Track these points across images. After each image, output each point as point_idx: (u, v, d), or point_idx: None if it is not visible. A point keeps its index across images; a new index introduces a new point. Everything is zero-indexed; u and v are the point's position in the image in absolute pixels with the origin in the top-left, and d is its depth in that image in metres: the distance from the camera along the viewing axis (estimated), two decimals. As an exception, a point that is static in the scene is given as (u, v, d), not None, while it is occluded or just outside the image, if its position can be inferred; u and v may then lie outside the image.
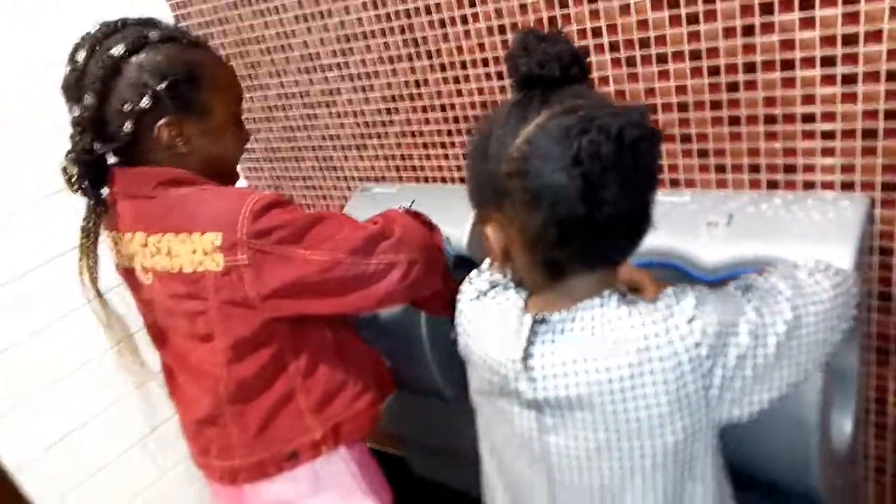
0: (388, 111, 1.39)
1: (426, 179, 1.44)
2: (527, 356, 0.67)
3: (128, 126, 0.88)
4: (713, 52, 0.96)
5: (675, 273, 0.97)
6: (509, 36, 1.12)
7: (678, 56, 0.99)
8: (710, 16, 0.93)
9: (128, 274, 1.01)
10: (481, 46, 1.17)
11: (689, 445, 0.66)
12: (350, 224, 0.93)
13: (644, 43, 1.00)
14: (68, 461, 1.52)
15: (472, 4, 1.14)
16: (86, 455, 1.56)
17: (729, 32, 0.93)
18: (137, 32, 0.89)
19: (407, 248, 0.93)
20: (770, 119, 0.96)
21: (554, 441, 0.69)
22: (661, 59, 1.00)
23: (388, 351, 1.18)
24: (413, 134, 1.39)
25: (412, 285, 0.94)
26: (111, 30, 0.89)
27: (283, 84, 1.53)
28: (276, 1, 1.40)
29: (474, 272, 0.83)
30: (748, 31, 0.92)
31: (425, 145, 1.39)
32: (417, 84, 1.31)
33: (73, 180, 0.90)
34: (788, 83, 0.93)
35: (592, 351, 0.64)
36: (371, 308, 0.95)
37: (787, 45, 0.90)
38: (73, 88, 0.88)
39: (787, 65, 0.91)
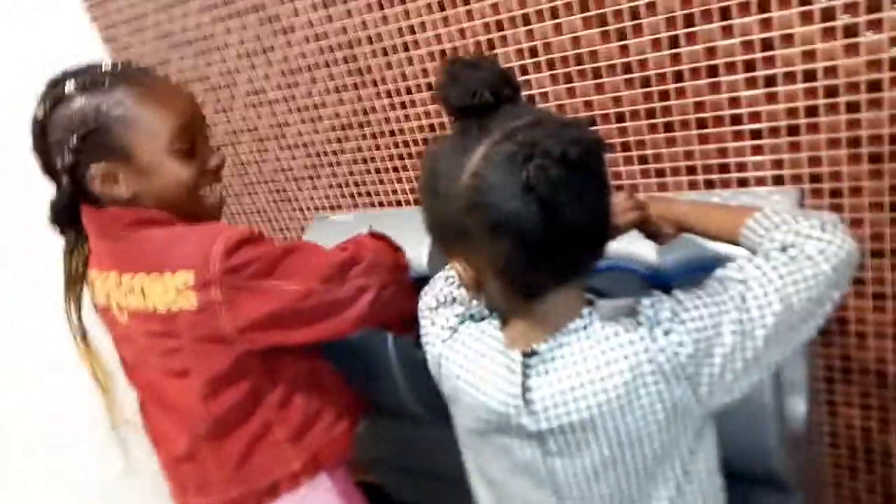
0: (339, 140, 1.41)
1: (381, 204, 1.46)
2: (525, 391, 0.67)
3: (65, 181, 0.89)
4: (643, 64, 1.01)
5: (631, 275, 1.01)
6: (450, 60, 1.16)
7: (611, 70, 1.04)
8: (637, 30, 0.99)
9: (104, 312, 1.01)
10: (424, 72, 1.21)
11: (685, 437, 0.68)
12: (320, 252, 0.94)
13: (578, 59, 1.05)
14: None
15: (412, 31, 1.17)
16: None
17: (656, 44, 0.99)
18: (54, 87, 0.89)
19: (378, 271, 0.96)
20: (701, 123, 1.02)
21: (560, 463, 0.69)
22: (596, 73, 1.05)
23: (355, 375, 1.19)
24: (364, 160, 1.41)
25: (384, 307, 0.96)
26: (43, 91, 0.91)
27: (229, 120, 1.53)
28: (218, 40, 1.41)
29: (429, 306, 0.83)
30: (673, 42, 0.97)
31: (377, 171, 1.41)
32: (365, 112, 1.33)
33: (56, 222, 0.96)
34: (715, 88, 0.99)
35: (587, 375, 0.65)
36: (346, 333, 0.95)
37: (711, 52, 0.96)
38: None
39: (712, 71, 0.97)
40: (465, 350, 0.74)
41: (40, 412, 1.48)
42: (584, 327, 0.66)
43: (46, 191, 0.93)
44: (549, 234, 0.60)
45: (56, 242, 1.01)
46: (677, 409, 0.65)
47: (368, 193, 1.46)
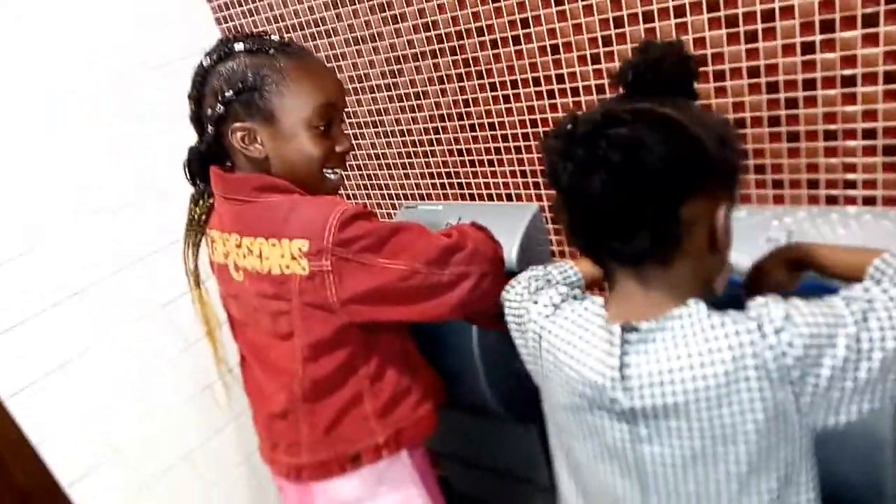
0: (436, 130, 1.42)
1: (472, 197, 1.46)
2: (623, 366, 0.68)
3: (210, 129, 0.96)
4: (772, 68, 0.96)
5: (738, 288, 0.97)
6: (562, 56, 1.14)
7: (736, 73, 1.00)
8: (770, 33, 0.94)
9: (221, 269, 1.07)
10: (533, 66, 1.19)
11: (783, 451, 0.66)
12: (427, 235, 0.96)
13: (701, 60, 1.01)
14: (136, 462, 1.56)
15: (526, 25, 1.16)
16: (153, 454, 1.59)
17: (788, 50, 0.94)
18: (225, 44, 0.96)
19: (479, 260, 0.97)
20: (830, 135, 0.97)
21: (648, 450, 0.70)
22: (719, 76, 1.01)
23: (437, 366, 1.19)
24: (460, 152, 1.41)
25: (481, 297, 0.96)
26: (217, 43, 0.98)
27: (330, 104, 1.56)
28: (328, 25, 1.43)
29: (527, 287, 0.84)
30: (808, 48, 0.93)
31: (472, 163, 1.40)
32: (467, 103, 1.33)
33: (190, 174, 1.04)
34: (849, 99, 0.93)
35: (687, 359, 0.64)
36: (443, 317, 0.97)
37: (849, 61, 0.91)
38: (189, 93, 0.99)
39: (848, 81, 0.92)
40: (568, 324, 0.75)
41: (134, 380, 1.55)
42: (690, 314, 0.66)
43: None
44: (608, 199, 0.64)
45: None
46: (777, 413, 0.64)
47: (461, 185, 1.46)
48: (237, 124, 0.94)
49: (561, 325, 0.76)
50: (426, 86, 1.37)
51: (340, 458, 1.04)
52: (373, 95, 1.47)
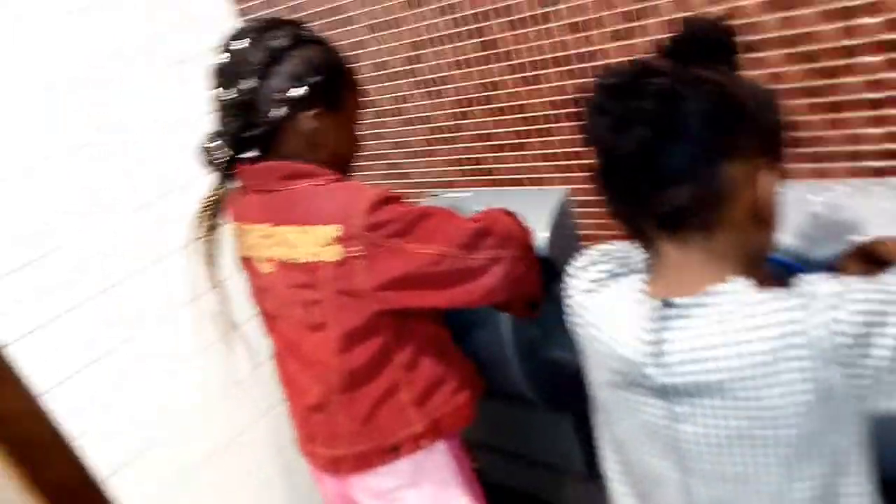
0: (460, 116, 1.40)
1: (498, 183, 1.44)
2: (658, 341, 0.66)
3: (281, 111, 0.94)
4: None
5: (779, 268, 0.94)
6: (589, 33, 1.12)
7: (768, 43, 0.96)
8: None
9: (247, 263, 1.06)
10: (563, 44, 1.17)
11: (833, 436, 0.62)
12: (456, 219, 0.95)
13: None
14: (168, 456, 1.56)
15: (554, 2, 1.13)
16: (186, 448, 1.60)
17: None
18: (295, 30, 0.96)
19: (511, 244, 0.95)
20: (876, 104, 0.93)
21: (685, 430, 0.68)
22: (754, 46, 0.98)
23: (471, 355, 1.18)
24: (485, 137, 1.39)
25: (514, 281, 0.95)
26: (267, 26, 0.97)
27: (352, 94, 1.55)
28: (348, 12, 1.42)
29: (579, 264, 0.83)
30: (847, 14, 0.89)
31: (498, 148, 1.38)
32: (492, 87, 1.31)
33: (216, 160, 0.98)
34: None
35: (728, 336, 0.62)
36: (475, 302, 0.96)
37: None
38: (228, 73, 0.95)
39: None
40: (605, 300, 0.74)
41: (166, 374, 1.56)
42: (734, 291, 0.63)
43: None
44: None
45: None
46: (825, 395, 0.60)
47: (488, 172, 1.44)
48: (315, 110, 0.95)
49: (598, 302, 0.75)
50: (449, 70, 1.35)
51: (379, 449, 1.03)
52: (395, 83, 1.46)
